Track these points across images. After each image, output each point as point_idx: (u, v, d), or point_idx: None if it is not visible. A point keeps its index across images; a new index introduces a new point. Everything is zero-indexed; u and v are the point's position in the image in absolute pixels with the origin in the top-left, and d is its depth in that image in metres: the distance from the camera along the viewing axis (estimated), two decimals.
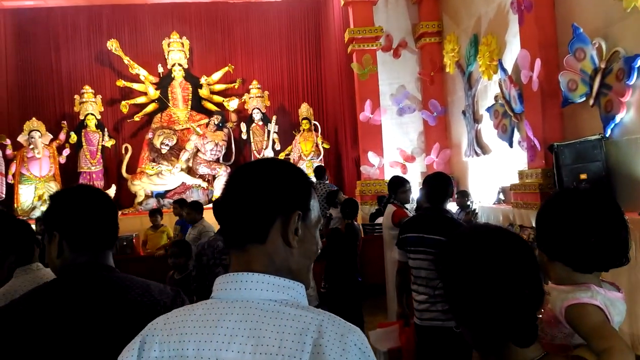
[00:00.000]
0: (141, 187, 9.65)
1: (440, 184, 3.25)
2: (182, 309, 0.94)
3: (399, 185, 4.74)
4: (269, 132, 10.06)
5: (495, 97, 6.94)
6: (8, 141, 9.16)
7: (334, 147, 10.22)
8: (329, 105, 10.70)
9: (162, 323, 0.92)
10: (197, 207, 5.73)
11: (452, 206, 6.46)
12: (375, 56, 8.67)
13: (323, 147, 9.85)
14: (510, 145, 6.64)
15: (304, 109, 10.09)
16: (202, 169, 10.04)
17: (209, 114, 10.34)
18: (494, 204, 7.04)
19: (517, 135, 6.52)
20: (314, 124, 9.96)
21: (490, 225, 1.18)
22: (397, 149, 8.85)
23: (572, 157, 4.90)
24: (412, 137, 9.05)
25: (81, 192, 1.43)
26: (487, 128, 7.47)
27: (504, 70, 6.50)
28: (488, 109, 7.18)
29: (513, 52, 6.45)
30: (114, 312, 1.25)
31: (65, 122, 9.76)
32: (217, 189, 9.84)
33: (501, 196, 7.01)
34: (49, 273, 2.08)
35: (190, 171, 10.08)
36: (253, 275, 0.90)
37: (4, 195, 9.07)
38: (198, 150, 10.06)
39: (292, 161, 9.86)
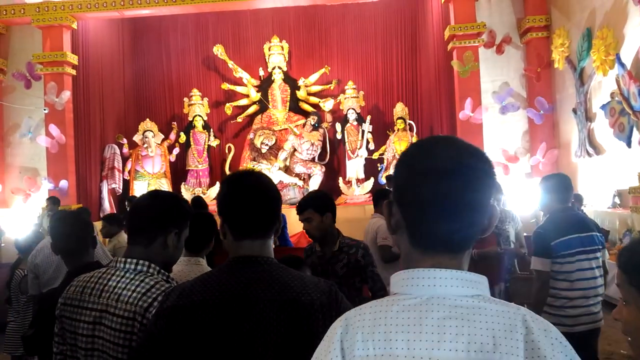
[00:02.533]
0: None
1: (570, 183, 3.16)
2: (369, 307, 0.91)
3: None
4: (363, 131, 10.11)
5: (612, 94, 6.50)
6: (124, 140, 9.99)
7: None
8: (425, 105, 10.55)
9: (356, 319, 0.90)
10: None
11: None
12: (477, 53, 8.42)
13: None
14: (629, 145, 6.19)
15: (399, 109, 10.02)
16: (299, 168, 10.31)
17: (306, 114, 10.61)
18: (609, 208, 6.59)
19: (636, 135, 6.06)
20: (409, 124, 9.86)
21: None
22: (500, 148, 8.54)
23: None
24: (516, 136, 8.68)
25: (248, 179, 1.43)
26: (601, 127, 7.01)
27: (622, 65, 6.08)
28: (603, 107, 6.74)
29: (632, 45, 6.01)
30: (273, 311, 1.25)
31: (175, 123, 10.48)
32: (313, 188, 10.06)
33: (617, 200, 6.55)
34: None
35: (287, 170, 10.39)
36: (444, 272, 0.87)
37: (121, 190, 9.91)
38: (295, 150, 10.34)
39: (386, 161, 9.88)
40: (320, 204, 3.00)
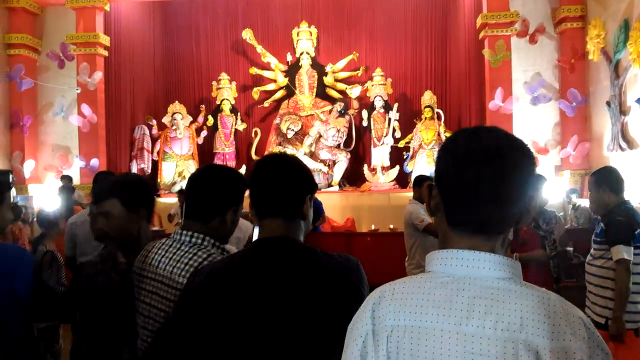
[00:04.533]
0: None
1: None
2: (403, 282, 0.97)
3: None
4: (389, 119, 10.05)
5: None
6: (154, 122, 10.15)
7: None
8: (453, 93, 10.41)
9: (389, 293, 0.95)
10: None
11: None
12: (509, 42, 8.28)
13: (445, 135, 9.62)
14: None
15: (427, 97, 9.92)
16: (324, 154, 10.32)
17: (332, 101, 10.59)
18: None
19: None
20: (437, 112, 9.76)
21: None
22: (530, 140, 8.40)
23: None
24: (547, 128, 8.54)
25: (273, 158, 1.45)
26: (636, 121, 6.84)
27: None
28: (638, 100, 6.57)
29: None
30: (301, 291, 1.25)
31: (203, 106, 10.59)
32: (337, 174, 10.08)
33: None
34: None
35: (312, 156, 10.42)
36: (477, 254, 0.91)
37: (149, 171, 10.10)
38: (320, 136, 10.35)
39: (412, 150, 9.83)
40: (130, 195, 1.84)
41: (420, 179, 4.59)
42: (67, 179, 7.82)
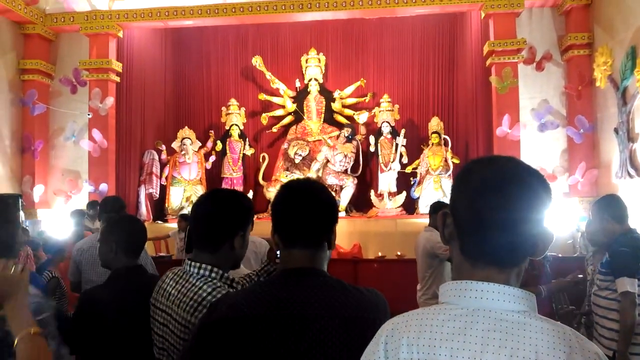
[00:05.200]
0: (275, 193, 10.19)
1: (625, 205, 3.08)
2: (416, 314, 0.95)
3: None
4: (397, 145, 10.09)
5: None
6: (163, 147, 10.25)
7: (464, 162, 9.95)
8: (460, 120, 10.46)
9: (402, 325, 0.94)
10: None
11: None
12: (516, 69, 8.32)
13: (453, 161, 9.64)
14: None
15: (434, 123, 9.96)
16: (331, 179, 10.34)
17: (340, 126, 10.66)
18: None
19: None
20: (444, 138, 9.79)
21: None
22: (537, 166, 8.34)
23: None
24: (554, 155, 8.51)
25: (300, 184, 1.40)
26: None
27: None
28: None
29: None
30: (334, 328, 1.19)
31: (212, 131, 10.69)
32: (344, 199, 10.08)
33: None
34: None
35: (319, 181, 10.44)
36: (492, 285, 0.90)
37: (158, 195, 10.15)
38: (328, 161, 10.39)
39: (419, 175, 9.82)
40: None
41: (438, 206, 4.43)
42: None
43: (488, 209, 0.90)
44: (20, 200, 8.49)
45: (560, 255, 6.61)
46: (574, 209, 8.04)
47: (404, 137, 10.07)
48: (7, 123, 8.75)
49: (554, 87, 8.59)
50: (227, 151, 10.48)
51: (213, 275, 1.55)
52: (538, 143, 8.52)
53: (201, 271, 1.55)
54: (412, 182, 9.93)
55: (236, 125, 10.55)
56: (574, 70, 8.35)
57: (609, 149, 7.75)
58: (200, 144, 10.41)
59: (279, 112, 10.98)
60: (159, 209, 10.37)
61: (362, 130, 10.58)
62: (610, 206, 3.05)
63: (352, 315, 1.20)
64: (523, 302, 0.90)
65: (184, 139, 10.24)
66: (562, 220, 7.46)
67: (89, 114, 9.07)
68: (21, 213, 8.47)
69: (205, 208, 1.65)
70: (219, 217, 1.60)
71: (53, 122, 9.57)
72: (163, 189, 10.25)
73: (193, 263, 1.57)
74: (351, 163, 10.38)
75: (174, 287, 1.57)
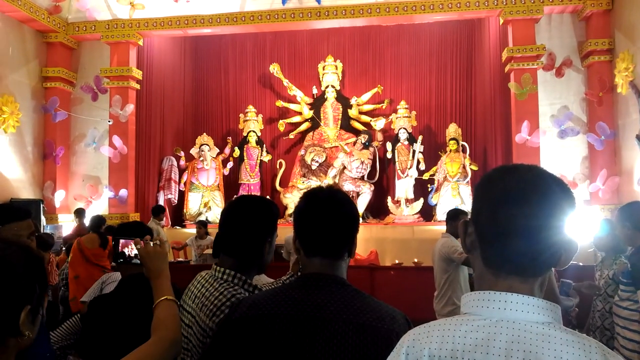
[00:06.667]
0: (292, 200, 10.22)
1: None
2: (438, 324, 0.94)
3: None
4: (414, 151, 10.04)
5: None
6: (182, 153, 10.36)
7: (482, 169, 9.86)
8: (479, 126, 10.38)
9: (424, 335, 0.93)
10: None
11: None
12: (535, 75, 8.24)
13: (471, 168, 9.55)
14: None
15: (452, 129, 9.89)
16: (348, 186, 10.33)
17: (357, 133, 10.67)
18: None
19: None
20: (462, 145, 9.71)
21: None
22: (557, 173, 8.21)
23: None
24: (575, 162, 8.38)
25: (323, 194, 1.38)
26: None
27: None
28: None
29: None
30: (348, 333, 1.20)
31: (230, 137, 10.79)
32: (361, 206, 10.05)
33: None
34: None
35: (334, 185, 10.42)
36: (515, 296, 0.89)
37: (176, 201, 10.25)
38: (345, 168, 10.39)
39: (436, 182, 9.76)
40: None
41: (456, 213, 4.41)
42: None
43: (510, 217, 0.89)
44: (41, 205, 8.68)
45: (581, 264, 6.49)
46: (595, 216, 7.90)
47: (421, 144, 10.02)
48: (29, 130, 8.93)
49: (574, 94, 8.48)
50: (245, 157, 10.54)
51: (236, 281, 1.58)
52: (558, 150, 8.41)
53: (224, 276, 1.58)
54: (429, 189, 9.86)
55: (253, 131, 10.62)
56: (595, 76, 8.23)
57: (631, 155, 7.61)
58: (218, 150, 10.50)
59: (296, 119, 11.04)
60: (178, 214, 10.47)
61: (379, 136, 10.56)
62: (632, 214, 2.98)
63: (367, 322, 1.21)
64: (547, 313, 0.89)
65: (202, 145, 10.34)
66: (583, 228, 7.33)
67: (109, 121, 9.22)
68: (42, 218, 8.66)
69: (234, 214, 1.67)
70: (248, 223, 1.62)
71: (74, 129, 9.73)
72: (181, 195, 10.35)
73: (218, 268, 1.61)
74: (368, 169, 10.36)
75: (199, 290, 1.60)
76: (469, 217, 0.99)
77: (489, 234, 0.93)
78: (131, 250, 1.82)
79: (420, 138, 10.08)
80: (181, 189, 10.33)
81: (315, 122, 10.90)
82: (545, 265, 0.93)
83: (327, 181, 10.31)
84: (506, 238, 0.90)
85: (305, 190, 1.48)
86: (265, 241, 1.63)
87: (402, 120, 10.30)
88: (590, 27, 8.35)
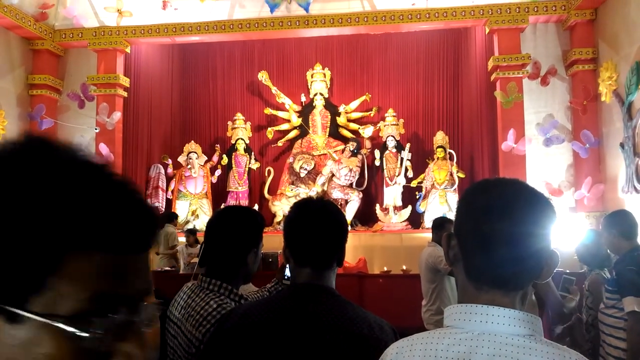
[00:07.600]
0: (280, 207, 10.20)
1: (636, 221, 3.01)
2: (422, 337, 0.95)
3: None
4: (402, 159, 10.10)
5: None
6: (169, 161, 10.31)
7: (469, 176, 9.94)
8: (465, 134, 10.48)
9: (407, 348, 0.94)
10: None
11: None
12: (520, 84, 8.35)
13: (458, 176, 9.63)
14: None
15: (440, 137, 9.97)
16: (336, 193, 10.34)
17: (345, 140, 10.70)
18: None
19: None
20: (449, 153, 9.79)
21: None
22: (543, 181, 8.36)
23: None
24: (560, 170, 8.48)
25: (314, 205, 1.41)
26: None
27: None
28: None
29: None
30: (339, 341, 1.21)
31: (218, 145, 10.75)
32: (349, 214, 10.06)
33: None
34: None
35: (325, 195, 10.43)
36: (497, 309, 0.90)
37: (163, 209, 10.17)
38: (333, 175, 10.40)
39: (424, 190, 9.81)
40: None
41: (442, 222, 4.39)
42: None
43: (492, 229, 0.91)
44: None
45: (567, 271, 6.55)
46: (580, 224, 7.99)
47: (409, 151, 10.08)
48: (15, 137, 8.83)
49: (559, 102, 8.60)
50: (233, 165, 10.52)
51: (222, 290, 1.59)
52: (544, 157, 8.51)
53: (211, 286, 1.60)
54: (417, 197, 9.91)
55: (242, 139, 10.61)
56: (579, 85, 8.36)
57: (615, 163, 7.72)
58: (206, 158, 10.46)
59: (284, 127, 11.04)
60: (165, 221, 10.38)
61: (367, 144, 10.60)
62: (618, 222, 3.03)
63: (358, 332, 1.23)
64: (528, 325, 0.89)
65: (190, 153, 10.30)
66: (568, 235, 7.41)
67: (96, 129, 9.15)
68: None
69: (219, 225, 1.70)
70: (233, 233, 1.65)
71: (61, 137, 9.60)
72: (169, 203, 10.28)
73: (204, 278, 1.62)
74: (356, 177, 10.39)
75: (185, 301, 1.62)
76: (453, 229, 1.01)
77: (471, 249, 0.94)
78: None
79: (408, 146, 10.14)
80: (168, 197, 10.26)
81: (303, 130, 10.92)
82: (527, 277, 0.94)
83: (315, 189, 10.31)
84: (488, 249, 0.91)
85: (295, 200, 1.51)
86: (251, 251, 1.64)
87: (390, 128, 10.35)
88: (575, 36, 8.49)
